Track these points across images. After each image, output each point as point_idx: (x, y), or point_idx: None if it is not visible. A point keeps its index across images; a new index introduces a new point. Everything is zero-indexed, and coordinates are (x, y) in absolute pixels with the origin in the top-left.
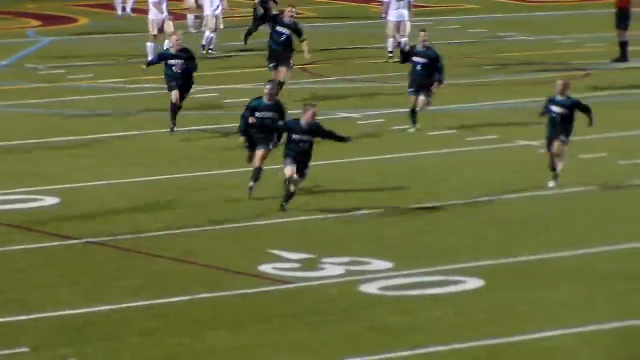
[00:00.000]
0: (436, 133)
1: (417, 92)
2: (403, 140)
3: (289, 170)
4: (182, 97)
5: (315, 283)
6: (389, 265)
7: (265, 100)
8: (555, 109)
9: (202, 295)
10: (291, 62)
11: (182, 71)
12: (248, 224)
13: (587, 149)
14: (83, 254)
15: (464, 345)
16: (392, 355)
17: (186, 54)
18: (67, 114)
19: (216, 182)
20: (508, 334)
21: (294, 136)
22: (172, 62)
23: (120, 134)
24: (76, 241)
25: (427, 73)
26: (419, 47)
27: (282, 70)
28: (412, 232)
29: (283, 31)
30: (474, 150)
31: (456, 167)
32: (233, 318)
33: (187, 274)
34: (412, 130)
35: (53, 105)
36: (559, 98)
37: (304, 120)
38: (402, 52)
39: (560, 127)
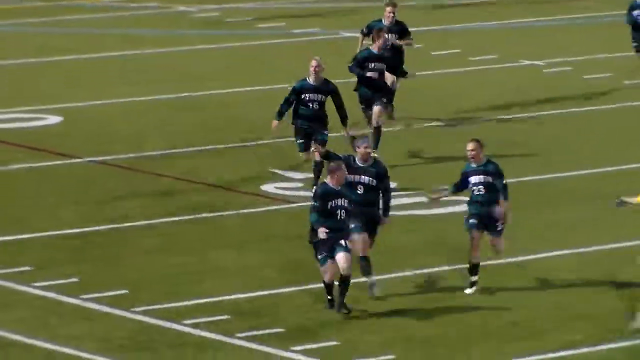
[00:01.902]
0: (441, 52)
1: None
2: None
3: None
4: None
5: None
6: (393, 185)
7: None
8: None
9: (205, 215)
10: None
11: None
12: (251, 143)
13: (591, 69)
14: (85, 173)
15: (467, 265)
16: (399, 274)
17: None
18: (69, 32)
19: (218, 101)
20: (511, 254)
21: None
22: None
23: (123, 52)
24: (78, 160)
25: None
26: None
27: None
28: (414, 153)
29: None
30: (477, 69)
31: (460, 87)
32: (236, 237)
33: (190, 193)
34: None
35: (55, 23)
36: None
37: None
38: None
39: None
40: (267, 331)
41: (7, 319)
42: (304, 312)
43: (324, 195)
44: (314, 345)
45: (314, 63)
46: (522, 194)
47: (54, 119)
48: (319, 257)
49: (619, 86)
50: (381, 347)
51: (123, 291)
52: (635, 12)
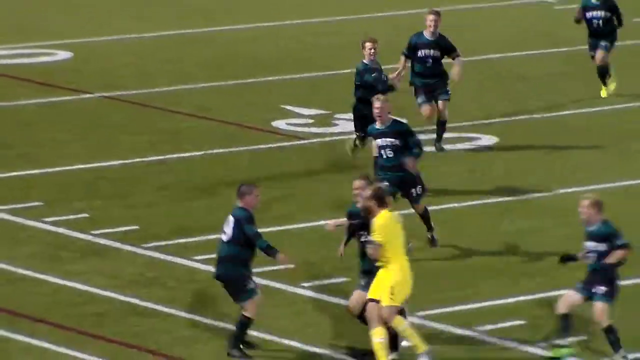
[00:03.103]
0: None
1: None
2: None
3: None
4: None
5: (328, 139)
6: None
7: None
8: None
9: (216, 151)
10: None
11: None
12: (261, 79)
13: None
14: (95, 108)
15: (477, 202)
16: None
17: None
18: None
19: (228, 37)
20: (522, 191)
21: None
22: None
23: None
24: (89, 95)
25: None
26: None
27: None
28: None
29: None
30: (488, 6)
31: (470, 23)
32: (247, 174)
33: (201, 130)
34: None
35: None
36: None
37: None
38: None
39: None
40: (276, 267)
41: (17, 254)
42: (313, 248)
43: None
44: (325, 282)
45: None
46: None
47: (63, 55)
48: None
49: (628, 23)
50: None
51: (133, 227)
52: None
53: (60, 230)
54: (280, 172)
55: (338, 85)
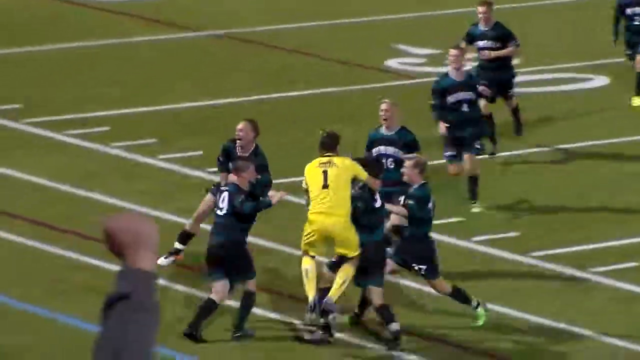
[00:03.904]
0: None
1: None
2: None
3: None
4: None
5: None
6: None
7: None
8: None
9: (325, 90)
10: None
11: None
12: (374, 17)
13: None
14: (205, 46)
15: (590, 143)
16: (522, 151)
17: None
18: None
19: None
20: (634, 132)
21: None
22: None
23: None
24: (198, 33)
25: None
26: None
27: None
28: None
29: None
30: None
31: None
32: (356, 112)
33: (308, 67)
34: None
35: None
36: None
37: None
38: None
39: None
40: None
41: (132, 189)
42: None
43: None
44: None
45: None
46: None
47: None
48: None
49: None
50: None
51: None
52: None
53: (174, 167)
54: None
55: (453, 25)
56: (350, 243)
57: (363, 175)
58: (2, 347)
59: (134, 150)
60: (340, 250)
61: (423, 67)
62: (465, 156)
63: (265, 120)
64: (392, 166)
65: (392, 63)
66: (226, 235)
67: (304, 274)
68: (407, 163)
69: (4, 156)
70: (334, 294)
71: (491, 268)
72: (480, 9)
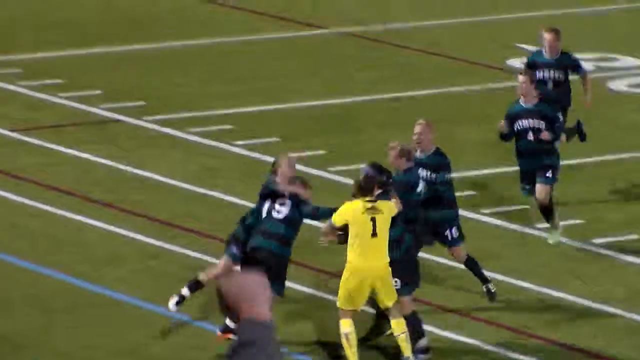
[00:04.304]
0: None
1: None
2: None
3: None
4: None
5: None
6: (638, 62)
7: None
8: None
9: (449, 89)
10: None
11: None
12: (495, 17)
13: None
14: (330, 44)
15: None
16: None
17: None
18: None
19: None
20: None
21: None
22: None
23: None
24: (324, 31)
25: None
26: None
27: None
28: None
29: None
30: None
31: None
32: (480, 112)
33: (433, 66)
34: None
35: None
36: None
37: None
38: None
39: None
40: (511, 208)
41: (253, 189)
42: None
43: None
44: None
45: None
46: None
47: None
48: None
49: None
50: None
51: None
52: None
53: (298, 167)
54: None
55: (574, 25)
56: (392, 288)
57: (395, 210)
58: None
59: (256, 149)
60: (385, 301)
61: None
62: (537, 186)
63: (393, 119)
64: (424, 190)
65: (514, 62)
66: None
67: (344, 339)
68: (392, 152)
69: (126, 153)
70: (407, 350)
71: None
72: (547, 36)
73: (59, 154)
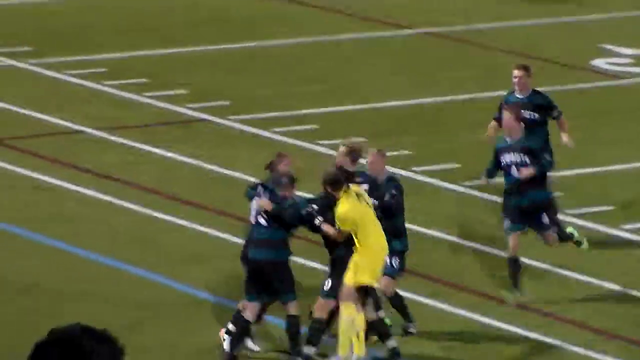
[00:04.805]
0: None
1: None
2: None
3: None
4: None
5: None
6: None
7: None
8: None
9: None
10: None
11: None
12: (579, 17)
13: None
14: (415, 44)
15: None
16: None
17: None
18: None
19: None
20: None
21: None
22: None
23: None
24: (409, 31)
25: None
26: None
27: None
28: None
29: None
30: None
31: None
32: (570, 112)
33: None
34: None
35: None
36: None
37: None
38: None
39: None
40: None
41: None
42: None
43: None
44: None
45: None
46: None
47: None
48: None
49: None
50: None
51: (454, 165)
52: None
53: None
54: (603, 111)
55: None
56: None
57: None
58: None
59: None
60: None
61: (629, 68)
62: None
63: (478, 119)
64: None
65: (599, 63)
66: None
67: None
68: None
69: (211, 153)
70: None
71: None
72: (517, 72)
73: (144, 153)
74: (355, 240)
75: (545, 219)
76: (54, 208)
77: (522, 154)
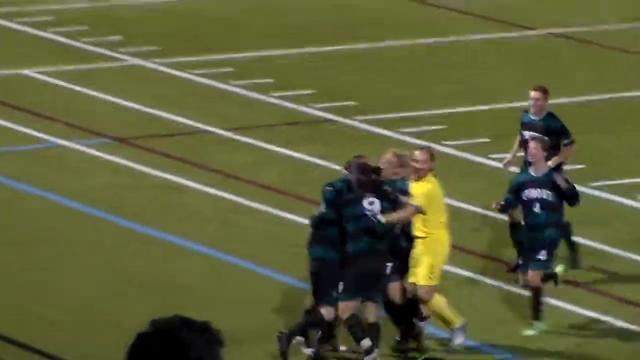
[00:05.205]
0: None
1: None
2: None
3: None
4: None
5: None
6: None
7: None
8: None
9: None
10: None
11: None
12: None
13: None
14: (540, 45)
15: None
16: None
17: None
18: None
19: None
20: None
21: None
22: None
23: None
24: (534, 32)
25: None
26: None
27: None
28: None
29: None
30: None
31: None
32: None
33: None
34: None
35: None
36: None
37: None
38: None
39: None
40: None
41: (465, 189)
42: None
43: None
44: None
45: None
46: None
47: None
48: None
49: None
50: None
51: (581, 166)
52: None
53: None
54: None
55: None
56: None
57: None
58: None
59: (466, 149)
60: None
61: None
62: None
63: (607, 121)
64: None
65: None
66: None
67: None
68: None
69: (338, 153)
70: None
71: None
72: (534, 94)
73: (271, 153)
74: (425, 228)
75: (543, 257)
76: (180, 208)
77: (548, 190)
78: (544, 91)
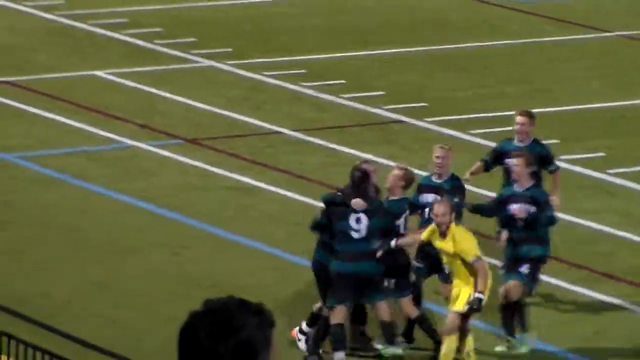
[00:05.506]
0: None
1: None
2: None
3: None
4: None
5: None
6: None
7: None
8: None
9: None
10: None
11: None
12: None
13: None
14: (614, 47)
15: None
16: None
17: None
18: None
19: None
20: None
21: None
22: None
23: None
24: (608, 34)
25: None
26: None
27: None
28: None
29: None
30: None
31: None
32: None
33: None
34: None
35: None
36: None
37: None
38: None
39: None
40: None
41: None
42: None
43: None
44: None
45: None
46: None
47: None
48: None
49: None
50: None
51: None
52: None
53: (575, 168)
54: None
55: None
56: None
57: None
58: None
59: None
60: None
61: None
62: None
63: None
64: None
65: None
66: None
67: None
68: (395, 172)
69: (408, 154)
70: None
71: None
72: (519, 119)
73: (342, 155)
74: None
75: (525, 270)
76: (249, 209)
77: (528, 205)
78: (530, 116)
